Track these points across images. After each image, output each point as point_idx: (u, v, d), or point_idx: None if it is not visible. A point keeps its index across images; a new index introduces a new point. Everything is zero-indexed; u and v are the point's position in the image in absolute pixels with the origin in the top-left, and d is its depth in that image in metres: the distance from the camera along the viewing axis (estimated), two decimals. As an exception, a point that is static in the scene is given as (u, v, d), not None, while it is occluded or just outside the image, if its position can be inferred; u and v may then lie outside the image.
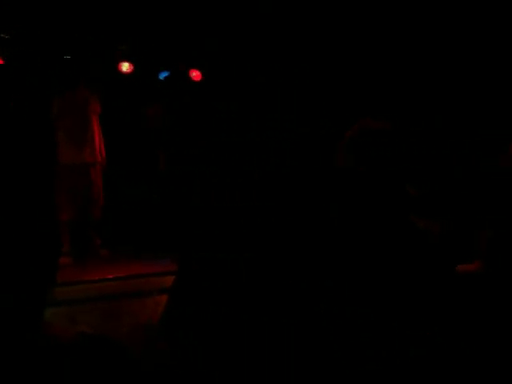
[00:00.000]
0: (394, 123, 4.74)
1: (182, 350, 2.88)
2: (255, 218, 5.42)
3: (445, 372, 2.73)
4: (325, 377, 2.71)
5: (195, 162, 6.32)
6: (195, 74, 6.75)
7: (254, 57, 6.74)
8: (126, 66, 6.63)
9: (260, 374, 2.67)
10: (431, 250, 3.73)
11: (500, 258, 3.59)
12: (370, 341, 2.87)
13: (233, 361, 2.77)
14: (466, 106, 5.91)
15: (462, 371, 2.74)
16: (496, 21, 6.00)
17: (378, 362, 2.74)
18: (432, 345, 2.85)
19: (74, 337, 1.52)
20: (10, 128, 6.57)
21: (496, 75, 6.01)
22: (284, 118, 6.51)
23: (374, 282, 3.40)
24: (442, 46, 6.29)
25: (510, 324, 2.92)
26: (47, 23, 6.38)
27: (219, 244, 5.07)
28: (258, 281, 3.18)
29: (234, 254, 4.31)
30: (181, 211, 6.18)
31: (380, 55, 6.52)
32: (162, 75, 6.73)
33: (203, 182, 6.27)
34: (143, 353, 2.94)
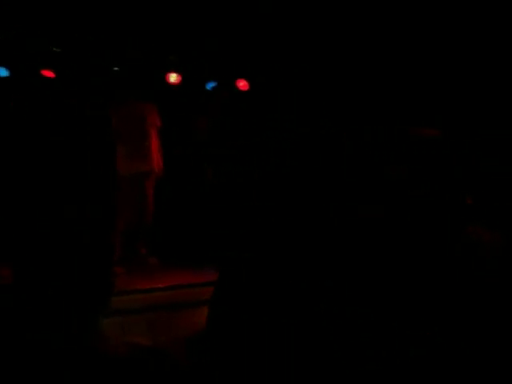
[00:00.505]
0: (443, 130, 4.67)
1: (226, 362, 2.88)
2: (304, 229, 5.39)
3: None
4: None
5: (241, 172, 6.33)
6: (242, 84, 6.76)
7: (301, 65, 6.73)
8: (174, 77, 6.69)
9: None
10: (482, 262, 3.64)
11: None
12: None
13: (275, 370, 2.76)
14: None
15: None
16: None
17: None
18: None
19: (128, 349, 1.53)
20: (67, 140, 6.72)
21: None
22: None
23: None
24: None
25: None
26: (97, 36, 6.50)
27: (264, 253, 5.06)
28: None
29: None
30: (227, 221, 6.20)
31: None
32: (210, 86, 6.77)
33: (249, 193, 6.27)
34: (189, 364, 2.95)
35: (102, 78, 6.61)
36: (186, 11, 6.44)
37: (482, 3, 5.97)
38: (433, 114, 5.81)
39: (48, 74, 6.50)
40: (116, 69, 6.70)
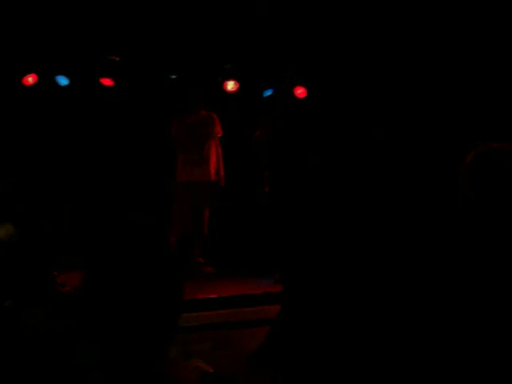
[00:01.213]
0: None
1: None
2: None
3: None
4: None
5: (300, 182, 6.22)
6: (300, 91, 6.66)
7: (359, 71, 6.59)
8: (231, 85, 6.65)
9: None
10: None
11: None
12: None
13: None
14: None
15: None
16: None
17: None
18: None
19: (199, 378, 1.45)
20: (127, 148, 6.77)
21: None
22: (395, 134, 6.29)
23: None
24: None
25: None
26: (155, 44, 6.52)
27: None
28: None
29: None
30: (286, 231, 6.11)
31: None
32: (267, 93, 6.69)
33: (308, 203, 6.17)
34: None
35: (160, 85, 6.63)
36: (243, 20, 6.41)
37: None
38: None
39: (107, 82, 6.55)
40: (174, 77, 6.70)
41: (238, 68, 6.70)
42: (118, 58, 6.56)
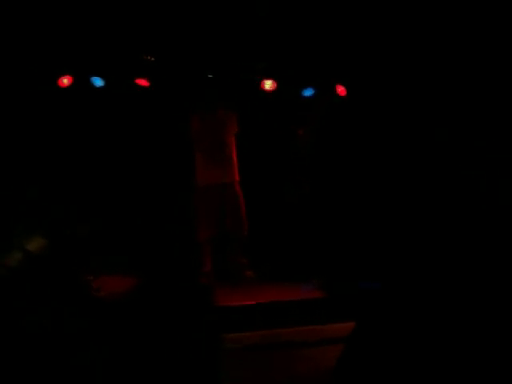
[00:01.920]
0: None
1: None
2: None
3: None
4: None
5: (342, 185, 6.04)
6: (341, 90, 6.42)
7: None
8: (269, 84, 6.46)
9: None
10: None
11: None
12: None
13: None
14: None
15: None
16: None
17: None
18: None
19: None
20: (151, 148, 6.66)
21: None
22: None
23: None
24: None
25: None
26: (190, 43, 6.39)
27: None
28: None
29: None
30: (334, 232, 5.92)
31: None
32: (307, 93, 6.47)
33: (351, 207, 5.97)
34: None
35: (197, 85, 6.48)
36: (279, 16, 6.23)
37: None
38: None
39: (142, 82, 6.44)
40: (210, 76, 6.55)
41: (275, 67, 6.50)
42: (153, 58, 6.43)
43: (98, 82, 6.36)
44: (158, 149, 6.63)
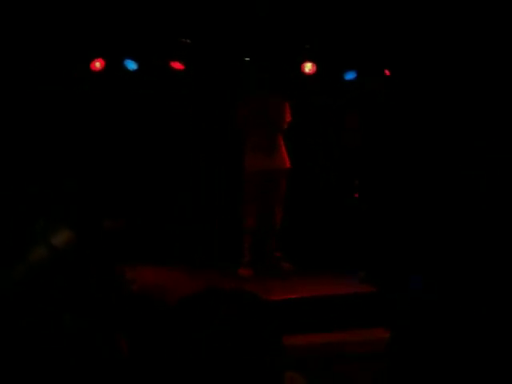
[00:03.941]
0: None
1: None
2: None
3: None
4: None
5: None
6: (386, 72, 6.10)
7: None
8: (308, 67, 6.17)
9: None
10: None
11: None
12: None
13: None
14: None
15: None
16: None
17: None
18: None
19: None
20: (191, 134, 6.44)
21: None
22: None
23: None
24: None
25: None
26: (228, 26, 6.13)
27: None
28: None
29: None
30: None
31: None
32: (348, 76, 6.17)
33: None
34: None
35: (233, 69, 6.23)
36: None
37: None
38: None
39: (177, 66, 6.19)
40: (247, 59, 6.29)
41: (316, 49, 6.20)
42: (189, 41, 6.18)
43: (131, 65, 6.12)
44: (195, 136, 6.39)
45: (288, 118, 5.72)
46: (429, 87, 5.97)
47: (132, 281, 4.73)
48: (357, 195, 6.14)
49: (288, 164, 5.68)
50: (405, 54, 6.12)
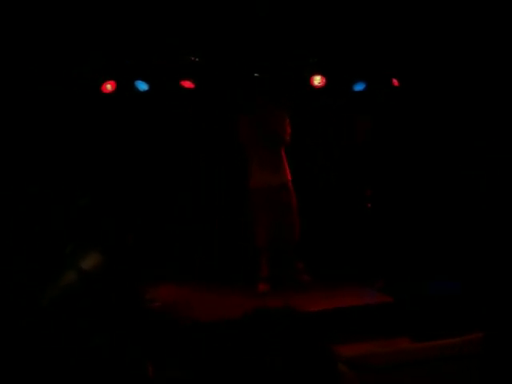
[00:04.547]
0: None
1: None
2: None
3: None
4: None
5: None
6: (395, 82, 6.14)
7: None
8: (317, 80, 6.22)
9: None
10: None
11: None
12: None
13: None
14: None
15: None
16: None
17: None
18: None
19: None
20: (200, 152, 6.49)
21: None
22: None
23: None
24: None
25: None
26: (235, 42, 6.19)
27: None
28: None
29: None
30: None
31: None
32: (358, 87, 6.22)
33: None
34: None
35: (243, 85, 6.28)
36: (326, 11, 6.00)
37: None
38: None
39: (187, 84, 6.25)
40: (256, 75, 6.34)
41: (324, 62, 6.26)
42: (197, 59, 6.25)
43: (143, 85, 6.19)
44: (206, 152, 6.44)
45: (287, 129, 5.71)
46: (431, 90, 6.02)
47: (153, 300, 4.78)
48: (369, 205, 6.17)
49: (289, 176, 5.70)
50: (411, 61, 6.18)
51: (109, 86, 6.13)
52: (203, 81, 6.26)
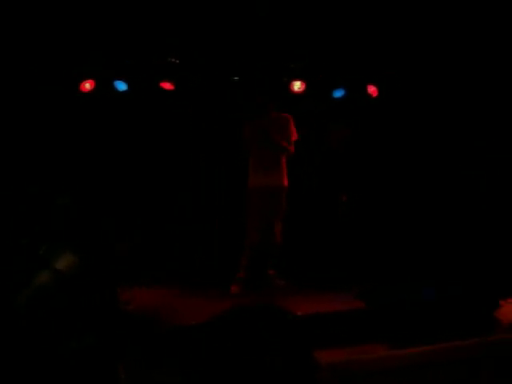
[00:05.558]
0: None
1: None
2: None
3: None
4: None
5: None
6: (373, 90, 6.19)
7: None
8: (297, 85, 6.23)
9: None
10: None
11: None
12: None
13: None
14: None
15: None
16: None
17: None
18: None
19: None
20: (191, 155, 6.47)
21: None
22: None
23: None
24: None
25: None
26: (216, 46, 6.18)
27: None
28: None
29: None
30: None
31: None
32: (337, 94, 6.24)
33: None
34: None
35: (222, 88, 6.27)
36: (307, 18, 6.02)
37: None
38: None
39: (167, 86, 6.23)
40: (236, 78, 6.34)
41: (304, 68, 6.28)
42: (177, 61, 6.22)
43: (122, 86, 6.14)
44: (206, 152, 6.42)
45: (294, 136, 5.70)
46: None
47: (128, 302, 4.71)
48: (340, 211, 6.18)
49: (286, 182, 5.71)
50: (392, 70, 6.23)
51: (88, 85, 6.08)
52: (182, 83, 6.23)
